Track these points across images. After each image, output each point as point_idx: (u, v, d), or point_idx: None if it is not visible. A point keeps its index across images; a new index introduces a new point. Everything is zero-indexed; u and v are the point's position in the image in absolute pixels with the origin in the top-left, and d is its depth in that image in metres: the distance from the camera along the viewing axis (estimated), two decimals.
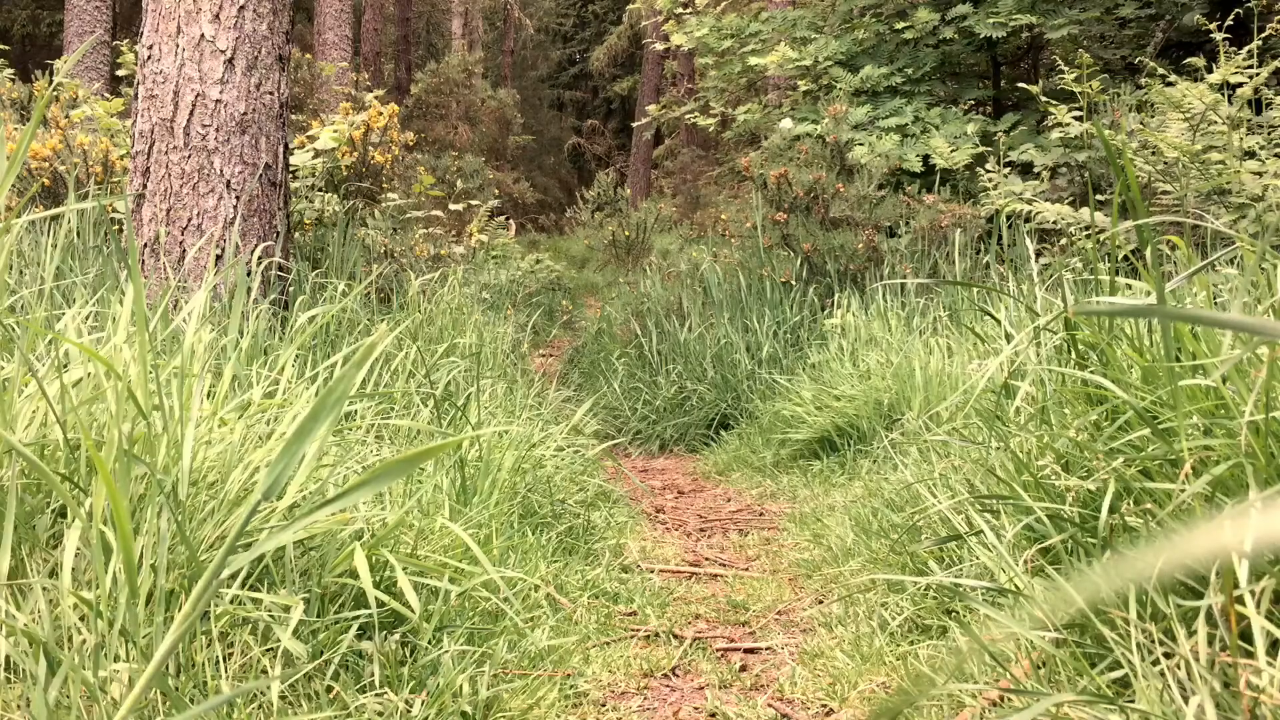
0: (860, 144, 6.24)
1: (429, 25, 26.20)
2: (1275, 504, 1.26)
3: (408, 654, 1.68)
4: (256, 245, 3.33)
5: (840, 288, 5.41)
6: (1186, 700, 1.20)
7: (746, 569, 2.78)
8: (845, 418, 3.98)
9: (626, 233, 12.60)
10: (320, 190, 5.19)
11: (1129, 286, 2.09)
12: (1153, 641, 1.29)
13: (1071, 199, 5.21)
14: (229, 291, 3.09)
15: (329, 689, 1.53)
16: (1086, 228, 4.51)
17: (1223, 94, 4.32)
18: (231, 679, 1.44)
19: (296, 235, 4.49)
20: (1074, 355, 1.90)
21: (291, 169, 4.77)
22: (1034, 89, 5.21)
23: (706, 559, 2.90)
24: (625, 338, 6.33)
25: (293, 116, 8.31)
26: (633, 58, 24.83)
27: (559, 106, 29.94)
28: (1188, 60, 5.00)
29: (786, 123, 6.62)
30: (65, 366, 1.72)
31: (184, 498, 1.53)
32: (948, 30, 6.80)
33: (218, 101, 3.32)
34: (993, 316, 2.47)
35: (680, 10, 8.71)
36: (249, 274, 3.10)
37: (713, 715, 1.78)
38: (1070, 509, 1.66)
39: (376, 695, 1.55)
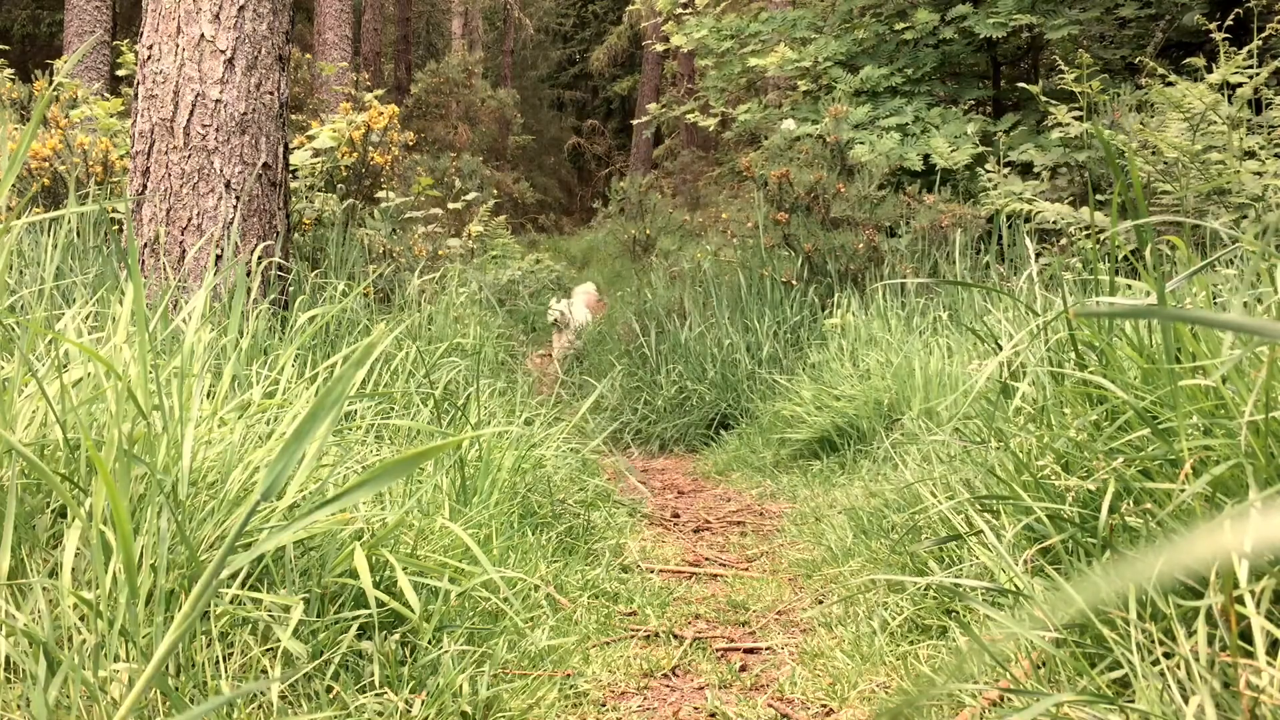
0: (861, 143, 6.24)
1: (429, 25, 26.19)
2: (1275, 504, 1.26)
3: (408, 654, 1.68)
4: (256, 245, 3.33)
5: (840, 288, 5.41)
6: (1186, 700, 1.20)
7: (746, 569, 2.78)
8: (845, 418, 3.98)
9: (648, 231, 12.70)
10: (320, 190, 5.19)
11: (1129, 286, 2.09)
12: (1153, 641, 1.29)
13: (1071, 199, 5.21)
14: (229, 291, 3.09)
15: (329, 689, 1.53)
16: (1086, 228, 4.51)
17: (1223, 94, 4.32)
18: (231, 679, 1.44)
19: (296, 235, 4.49)
20: (1074, 355, 1.90)
21: (291, 169, 4.77)
22: (1034, 89, 5.21)
23: (706, 559, 2.90)
24: (627, 338, 6.33)
25: (293, 116, 8.32)
26: (633, 58, 24.81)
27: (559, 106, 29.93)
28: (1188, 60, 5.00)
29: (789, 123, 6.62)
30: (65, 366, 1.72)
31: (184, 498, 1.53)
32: (948, 30, 6.80)
33: (218, 101, 3.32)
34: (991, 327, 2.47)
35: (680, 11, 8.71)
36: (249, 274, 3.10)
37: (713, 715, 1.77)
38: (1070, 509, 1.66)
39: (376, 695, 1.55)
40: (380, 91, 7.20)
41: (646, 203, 13.40)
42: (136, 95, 3.38)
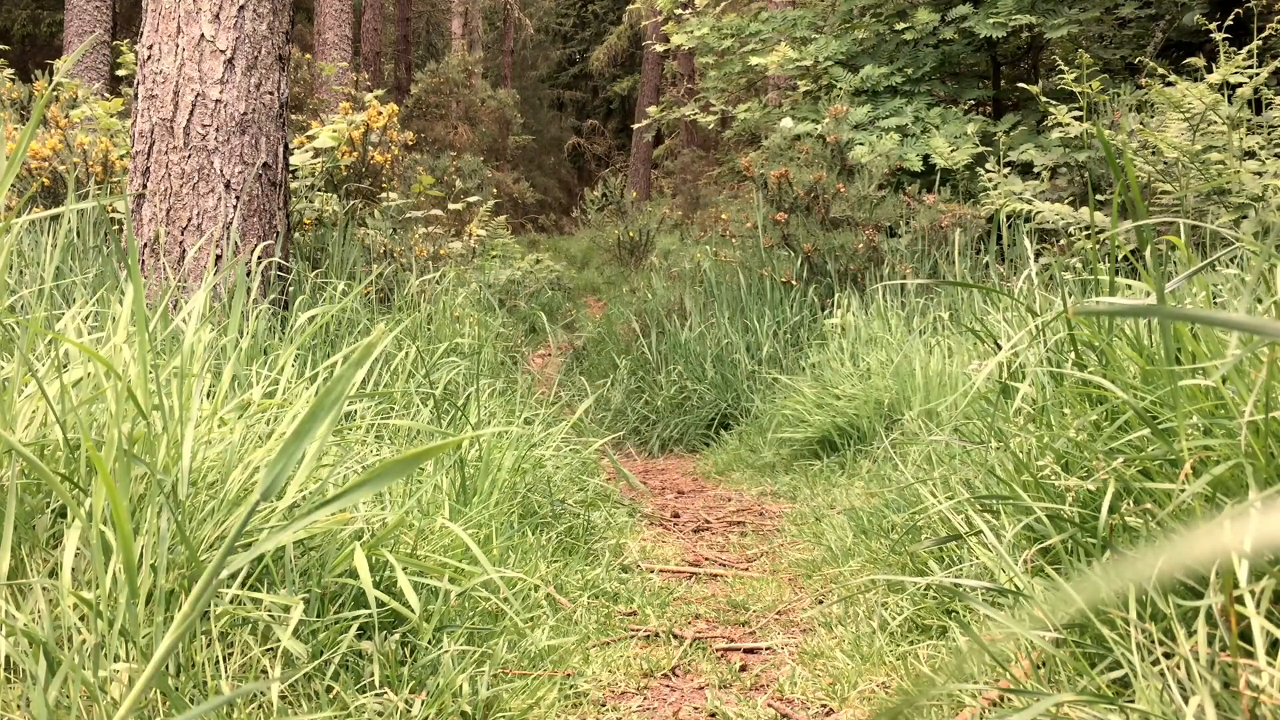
0: (861, 144, 6.25)
1: (429, 25, 26.19)
2: (1275, 504, 1.26)
3: (408, 654, 1.68)
4: (256, 245, 3.33)
5: (840, 287, 5.42)
6: (1186, 700, 1.20)
7: (746, 569, 2.78)
8: (845, 417, 3.98)
9: (632, 234, 12.67)
10: (320, 190, 5.19)
11: (1129, 286, 2.09)
12: (1153, 641, 1.29)
13: (1071, 199, 5.21)
14: (229, 291, 3.09)
15: (329, 689, 1.53)
16: (1086, 228, 4.51)
17: (1223, 94, 4.32)
18: (231, 679, 1.44)
19: (296, 235, 4.49)
20: (1074, 355, 1.90)
21: (291, 169, 4.77)
22: (1034, 89, 5.21)
23: (706, 559, 2.90)
24: (627, 338, 6.34)
25: (293, 116, 8.32)
26: (633, 58, 24.82)
27: (559, 106, 29.92)
28: (1188, 60, 5.00)
29: (787, 122, 6.62)
30: (65, 366, 1.72)
31: (184, 498, 1.53)
32: (948, 30, 6.80)
33: (218, 101, 3.32)
34: (991, 327, 2.47)
35: (680, 10, 8.71)
36: (249, 274, 3.10)
37: (713, 715, 1.77)
38: (1070, 509, 1.66)
39: (376, 695, 1.55)
40: (380, 91, 7.20)
41: (625, 204, 13.39)
42: (136, 95, 3.38)
